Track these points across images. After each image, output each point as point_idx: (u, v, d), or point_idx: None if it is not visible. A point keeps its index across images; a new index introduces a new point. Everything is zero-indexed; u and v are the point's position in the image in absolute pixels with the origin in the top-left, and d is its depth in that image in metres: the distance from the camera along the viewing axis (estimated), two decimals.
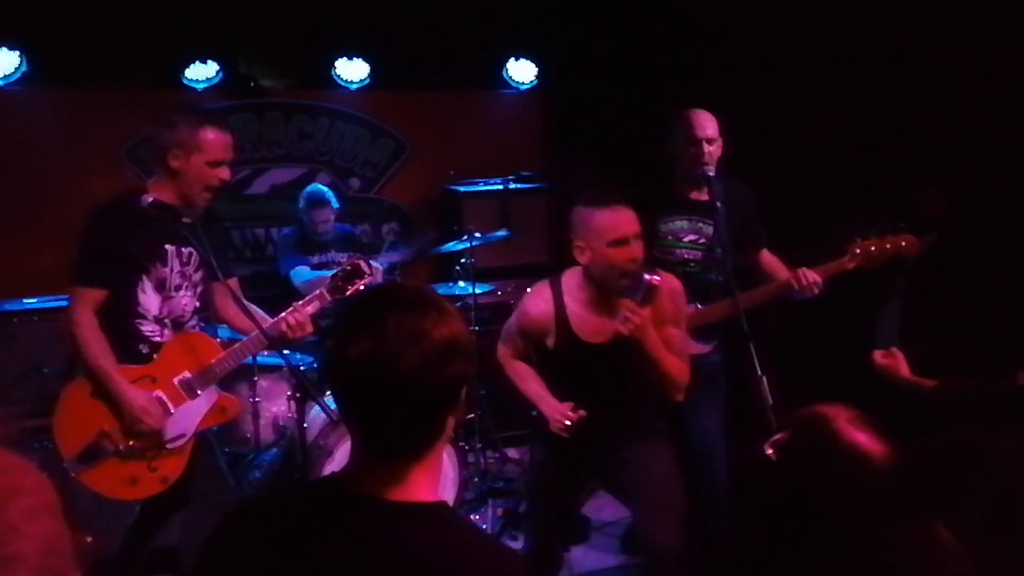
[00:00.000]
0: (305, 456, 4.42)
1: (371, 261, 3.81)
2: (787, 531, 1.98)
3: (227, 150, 3.51)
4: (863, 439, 1.91)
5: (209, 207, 3.59)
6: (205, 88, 5.99)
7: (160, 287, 3.50)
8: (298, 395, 4.60)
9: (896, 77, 4.51)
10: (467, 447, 5.12)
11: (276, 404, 4.99)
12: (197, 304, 3.63)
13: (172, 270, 3.51)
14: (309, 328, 3.55)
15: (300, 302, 3.58)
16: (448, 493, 4.72)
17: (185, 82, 5.90)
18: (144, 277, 3.46)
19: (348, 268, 3.65)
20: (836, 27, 4.78)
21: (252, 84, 6.14)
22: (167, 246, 3.50)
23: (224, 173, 3.51)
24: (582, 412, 3.41)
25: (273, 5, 6.07)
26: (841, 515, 1.88)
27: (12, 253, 5.58)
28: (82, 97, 5.79)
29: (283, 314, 3.54)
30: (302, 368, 4.57)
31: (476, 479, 5.21)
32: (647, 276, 3.27)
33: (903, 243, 3.97)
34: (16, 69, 5.47)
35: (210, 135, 3.46)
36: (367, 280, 3.67)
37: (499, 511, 5.05)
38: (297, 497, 1.72)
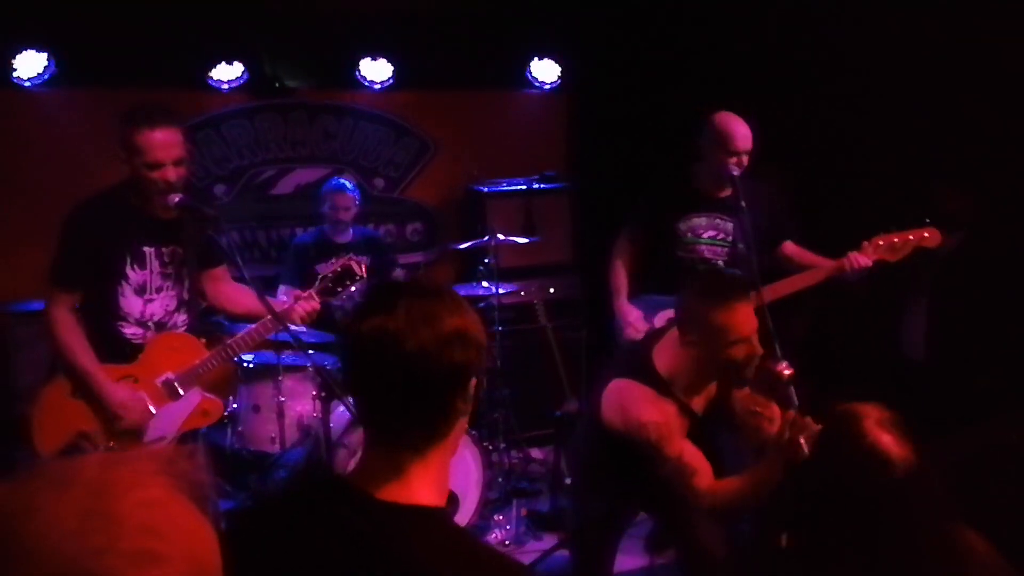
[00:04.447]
0: (330, 455, 4.43)
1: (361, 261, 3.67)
2: (816, 522, 2.00)
3: (166, 149, 3.23)
4: (887, 441, 1.92)
5: (195, 201, 3.42)
6: (231, 89, 6.01)
7: (140, 291, 3.43)
8: (323, 394, 4.62)
9: (924, 75, 4.48)
10: (491, 447, 5.12)
11: (301, 403, 5.00)
12: (185, 297, 3.54)
13: (152, 272, 3.43)
14: (310, 319, 3.54)
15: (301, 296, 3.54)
16: (472, 493, 4.72)
17: (211, 83, 5.92)
18: (123, 281, 3.38)
19: (339, 269, 3.54)
20: (863, 25, 4.74)
21: (277, 85, 6.16)
22: (145, 248, 3.41)
23: (168, 174, 3.25)
24: None
25: (298, 6, 6.09)
26: (862, 512, 1.89)
27: (39, 254, 5.58)
28: (108, 98, 5.82)
29: (293, 303, 3.48)
30: (327, 367, 4.58)
31: (500, 479, 5.21)
32: (778, 366, 2.91)
33: (925, 234, 3.95)
34: (44, 70, 5.51)
35: (142, 136, 3.19)
36: (359, 282, 3.52)
37: (523, 511, 5.05)
38: (303, 493, 1.73)
